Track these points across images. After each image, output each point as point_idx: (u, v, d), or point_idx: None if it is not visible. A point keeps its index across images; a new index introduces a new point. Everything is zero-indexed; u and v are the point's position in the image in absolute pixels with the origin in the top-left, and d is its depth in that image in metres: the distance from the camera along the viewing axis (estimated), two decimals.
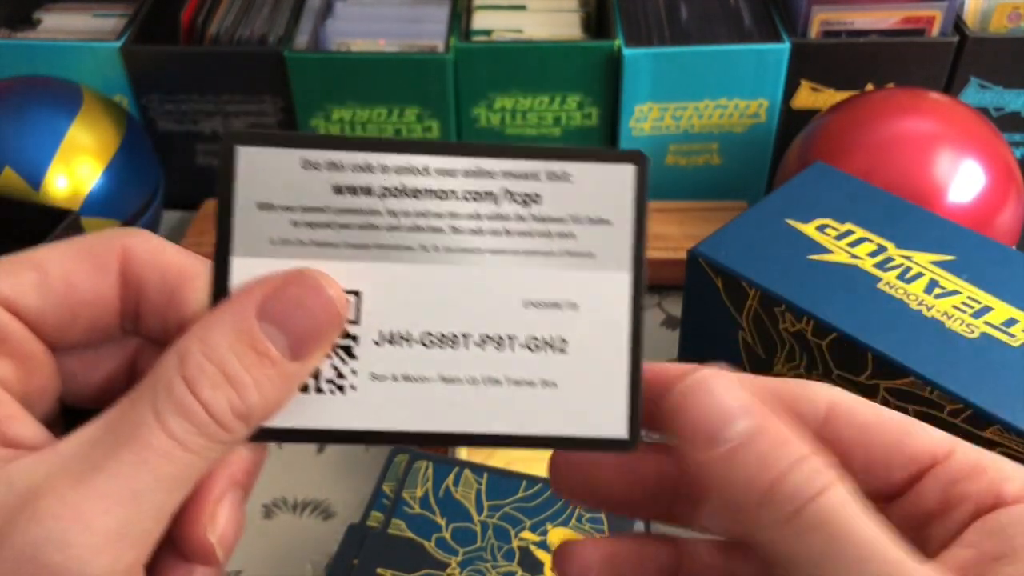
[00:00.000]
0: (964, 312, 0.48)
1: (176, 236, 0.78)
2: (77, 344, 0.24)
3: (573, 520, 0.49)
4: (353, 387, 0.24)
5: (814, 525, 0.21)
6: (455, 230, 0.24)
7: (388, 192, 0.24)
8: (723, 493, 0.23)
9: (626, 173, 0.25)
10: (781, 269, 0.51)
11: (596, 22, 0.79)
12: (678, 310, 0.59)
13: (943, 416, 0.45)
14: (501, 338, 0.25)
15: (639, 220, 0.25)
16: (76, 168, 0.67)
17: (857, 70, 0.74)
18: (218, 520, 0.23)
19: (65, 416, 0.25)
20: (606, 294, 0.25)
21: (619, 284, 0.25)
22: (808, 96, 0.75)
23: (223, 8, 0.79)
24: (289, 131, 0.23)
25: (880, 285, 0.50)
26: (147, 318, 0.24)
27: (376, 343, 0.24)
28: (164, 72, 0.76)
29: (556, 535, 0.49)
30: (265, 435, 0.24)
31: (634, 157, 0.25)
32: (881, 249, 0.52)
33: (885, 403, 0.43)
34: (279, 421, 0.24)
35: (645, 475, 0.26)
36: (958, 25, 0.73)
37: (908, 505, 0.24)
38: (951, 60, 0.73)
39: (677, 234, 0.71)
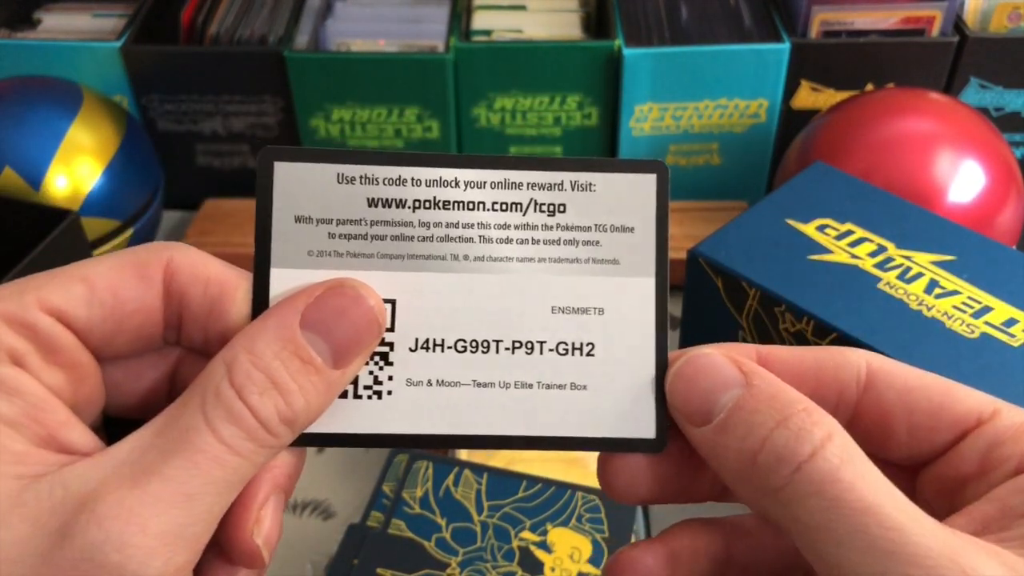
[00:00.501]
0: (964, 312, 0.48)
1: (176, 236, 0.78)
2: (121, 354, 0.25)
3: (573, 520, 0.49)
4: (390, 392, 0.25)
5: (808, 492, 0.21)
6: (485, 240, 0.26)
7: (420, 204, 0.25)
8: (721, 467, 0.23)
9: (648, 182, 0.26)
10: (781, 269, 0.51)
11: (596, 22, 0.79)
12: (678, 310, 0.59)
13: None
14: (531, 343, 0.26)
15: (661, 227, 0.26)
16: (76, 168, 0.67)
17: (857, 70, 0.74)
18: (263, 523, 0.24)
19: (107, 426, 0.26)
20: (631, 299, 0.26)
21: (644, 289, 0.26)
22: (808, 96, 0.75)
23: (223, 8, 0.79)
24: (324, 148, 0.24)
25: (880, 285, 0.50)
26: (189, 329, 0.25)
27: (411, 350, 0.25)
28: (164, 72, 0.76)
29: (556, 535, 0.49)
30: (307, 440, 0.25)
31: (655, 167, 0.26)
32: (881, 249, 0.52)
33: None
34: (320, 426, 0.25)
35: (678, 462, 0.26)
36: (958, 25, 0.73)
37: (947, 467, 0.24)
38: (951, 60, 0.73)
39: (677, 234, 0.71)
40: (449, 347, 0.25)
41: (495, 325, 0.25)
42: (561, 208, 0.26)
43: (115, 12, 0.80)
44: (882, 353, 0.25)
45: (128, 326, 0.24)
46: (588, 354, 0.26)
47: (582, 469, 0.55)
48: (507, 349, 0.25)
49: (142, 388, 0.26)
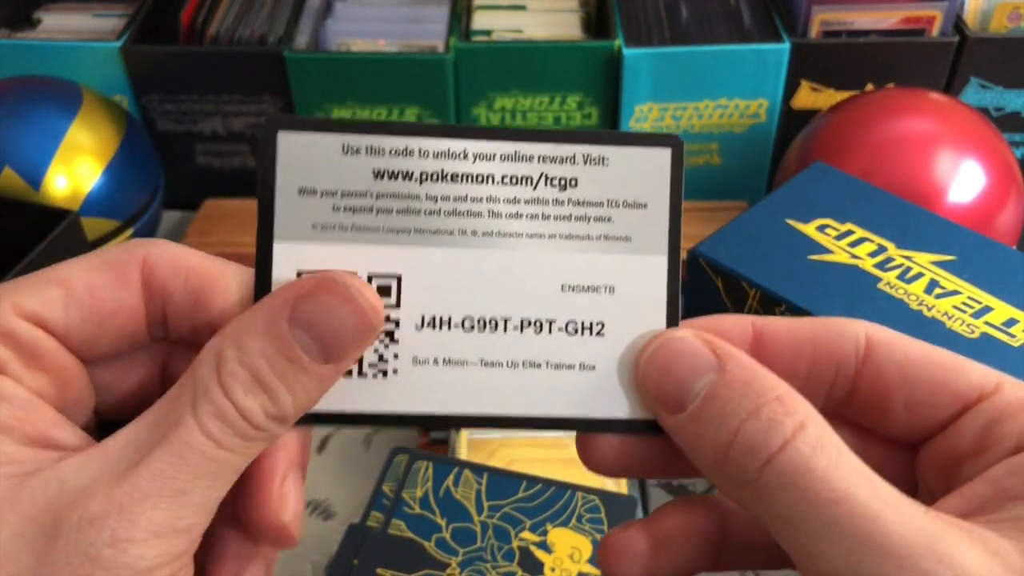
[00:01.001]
0: (964, 312, 0.48)
1: (176, 236, 0.78)
2: (106, 355, 0.25)
3: (573, 520, 0.49)
4: (395, 371, 0.25)
5: (779, 485, 0.20)
6: (493, 214, 0.25)
7: (427, 177, 0.25)
8: (695, 457, 0.23)
9: (662, 157, 0.25)
10: (781, 269, 0.51)
11: (596, 22, 0.79)
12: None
13: None
14: (540, 322, 0.25)
15: (675, 203, 0.25)
16: (76, 168, 0.67)
17: (857, 70, 0.74)
18: (287, 500, 0.24)
19: (101, 429, 0.26)
20: (643, 277, 0.25)
21: (656, 267, 0.25)
22: (808, 96, 0.75)
23: (223, 8, 0.79)
24: (329, 117, 0.23)
25: (880, 285, 0.50)
26: (175, 323, 0.25)
27: (417, 327, 0.25)
28: (164, 72, 0.76)
29: (556, 535, 0.49)
30: (310, 419, 0.24)
31: (670, 141, 0.25)
32: (881, 249, 0.52)
33: None
34: (324, 405, 0.24)
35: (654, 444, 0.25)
36: (958, 25, 0.73)
37: (946, 443, 0.23)
38: (951, 60, 0.73)
39: None
40: (456, 325, 0.25)
41: (503, 303, 0.25)
42: (572, 183, 0.25)
43: (115, 12, 0.80)
44: None
45: (109, 326, 0.24)
46: (598, 334, 0.25)
47: (582, 469, 0.55)
48: (515, 328, 0.25)
49: (133, 386, 0.26)
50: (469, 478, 0.51)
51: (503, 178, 0.25)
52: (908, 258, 0.51)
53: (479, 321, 0.25)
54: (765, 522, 0.21)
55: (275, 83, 0.75)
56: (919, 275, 0.50)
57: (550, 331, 0.25)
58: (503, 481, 0.51)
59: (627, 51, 0.72)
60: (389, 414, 0.25)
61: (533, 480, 0.51)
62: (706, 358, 0.23)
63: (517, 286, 0.25)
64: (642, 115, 0.75)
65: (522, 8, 0.79)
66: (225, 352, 0.22)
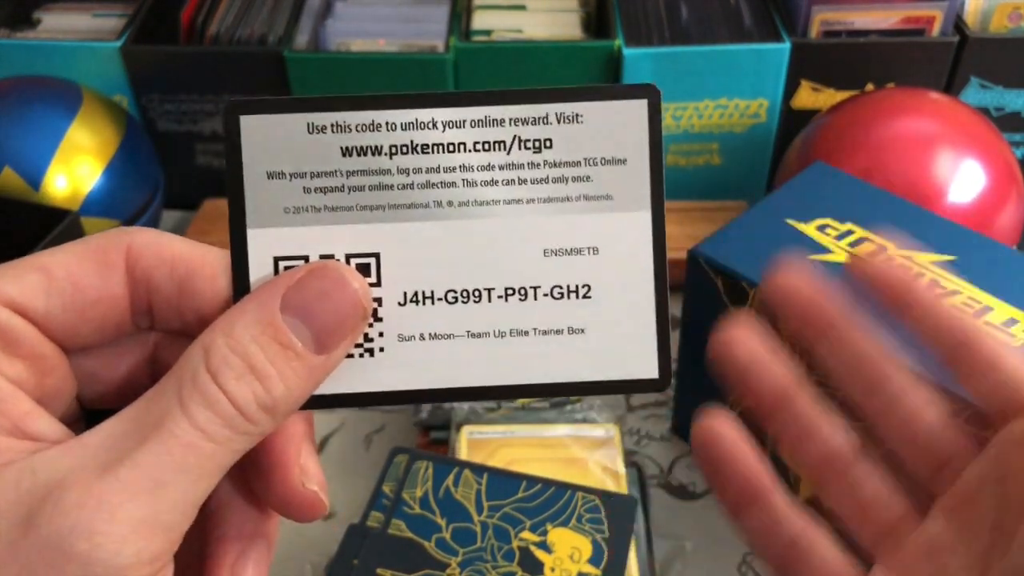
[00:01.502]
0: (964, 312, 0.48)
1: None
2: (89, 344, 0.24)
3: (573, 520, 0.49)
4: (382, 349, 0.24)
5: None
6: (468, 183, 0.24)
7: (396, 150, 0.24)
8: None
9: (639, 108, 0.24)
10: None
11: (596, 22, 0.79)
12: (678, 310, 0.59)
13: None
14: (524, 289, 0.25)
15: (655, 156, 0.24)
16: (76, 168, 0.67)
17: (857, 70, 0.74)
18: (309, 470, 0.24)
19: (87, 418, 0.26)
20: (627, 235, 0.25)
21: (640, 224, 0.25)
22: (808, 96, 0.75)
23: (223, 8, 0.79)
24: (291, 96, 0.23)
25: None
26: (161, 312, 0.24)
27: (400, 304, 0.24)
28: (164, 72, 0.76)
29: (556, 535, 0.49)
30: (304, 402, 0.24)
31: (645, 91, 0.24)
32: (882, 249, 0.52)
33: None
34: None
35: None
36: (958, 25, 0.73)
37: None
38: (951, 60, 0.73)
39: (677, 234, 0.71)
40: (439, 299, 0.24)
41: (485, 273, 0.24)
42: (547, 143, 0.24)
43: (115, 12, 0.80)
44: None
45: (91, 315, 0.24)
46: (584, 296, 0.25)
47: (582, 469, 0.55)
48: (499, 297, 0.24)
49: (120, 376, 0.25)
50: (469, 478, 0.51)
51: (475, 145, 0.24)
52: (908, 258, 0.51)
53: (462, 293, 0.24)
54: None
55: (275, 83, 0.75)
56: (919, 275, 0.50)
57: (535, 298, 0.25)
58: (503, 481, 0.51)
59: (627, 51, 0.71)
60: (380, 392, 0.24)
61: (533, 480, 0.51)
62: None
63: (498, 255, 0.24)
64: None
65: (522, 8, 0.79)
66: (215, 341, 0.22)
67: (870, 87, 0.74)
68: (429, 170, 0.24)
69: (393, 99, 0.24)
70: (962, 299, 0.49)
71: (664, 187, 0.25)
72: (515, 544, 0.48)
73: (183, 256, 0.24)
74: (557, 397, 0.25)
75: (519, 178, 0.24)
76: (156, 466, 0.21)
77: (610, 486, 0.54)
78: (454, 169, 0.24)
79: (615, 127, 0.24)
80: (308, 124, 0.24)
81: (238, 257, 0.24)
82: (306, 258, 0.24)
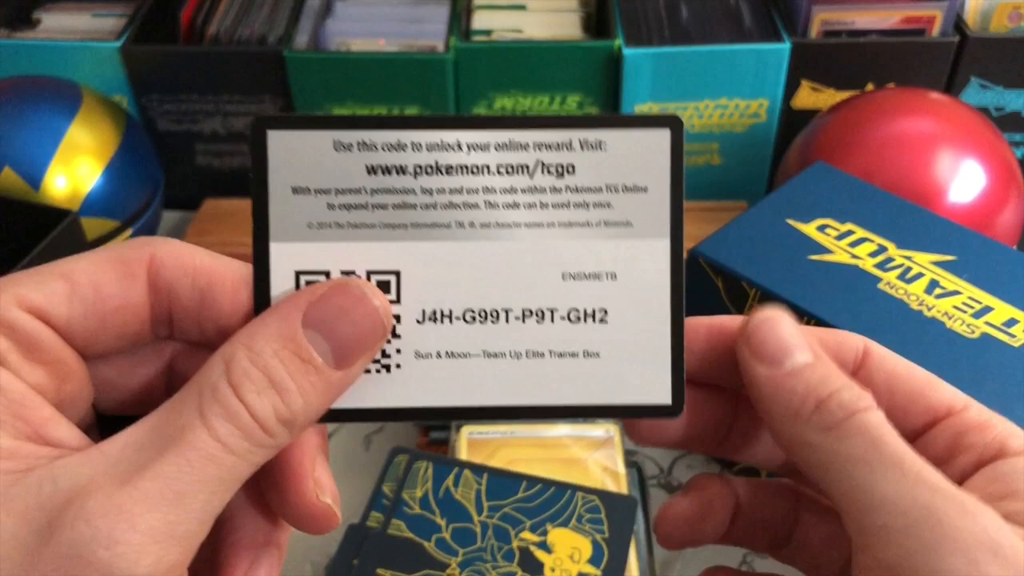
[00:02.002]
0: (964, 312, 0.48)
1: (176, 236, 0.77)
2: (109, 351, 0.25)
3: (573, 520, 0.49)
4: (399, 366, 0.25)
5: (857, 431, 0.23)
6: (490, 205, 0.24)
7: (421, 170, 0.24)
8: (780, 403, 0.24)
9: (661, 138, 0.25)
10: (781, 269, 0.51)
11: (596, 22, 0.79)
12: None
13: None
14: (542, 311, 0.25)
15: (676, 185, 0.25)
16: (75, 168, 0.67)
17: (857, 70, 0.74)
18: (323, 483, 0.24)
19: (101, 424, 0.26)
20: (645, 262, 0.25)
21: (658, 251, 0.25)
22: (808, 96, 0.75)
23: (223, 8, 0.79)
24: (319, 114, 0.23)
25: (881, 285, 0.50)
26: (181, 322, 0.25)
27: (418, 321, 0.25)
28: (164, 72, 0.76)
29: (556, 535, 0.49)
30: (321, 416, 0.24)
31: (668, 121, 0.25)
32: (882, 249, 0.52)
33: None
34: None
35: (706, 417, 0.27)
36: (958, 25, 0.73)
37: (918, 449, 0.25)
38: (951, 60, 0.73)
39: None
40: (457, 317, 0.25)
41: (504, 294, 0.25)
42: (570, 169, 0.25)
43: (115, 12, 0.80)
44: None
45: (112, 323, 0.24)
46: (601, 320, 0.25)
47: (582, 469, 0.55)
48: (517, 318, 0.25)
49: (137, 384, 0.26)
50: (469, 478, 0.51)
51: (498, 168, 0.24)
52: (908, 258, 0.51)
53: (480, 313, 0.25)
54: (825, 460, 0.24)
55: (275, 83, 0.75)
56: (919, 275, 0.50)
57: (552, 320, 0.25)
58: (503, 481, 0.51)
59: (627, 51, 0.71)
60: (394, 408, 0.25)
61: (533, 480, 0.51)
62: (803, 342, 0.25)
63: (517, 276, 0.25)
64: None
65: (522, 8, 0.79)
66: (236, 354, 0.22)
67: (870, 87, 0.74)
68: (452, 191, 0.24)
69: (419, 120, 0.24)
70: (962, 299, 0.49)
71: (683, 215, 0.25)
72: (515, 544, 0.48)
73: (205, 267, 0.24)
74: (570, 419, 0.25)
75: (541, 202, 0.25)
76: (176, 477, 0.21)
77: (610, 486, 0.54)
78: (477, 191, 0.24)
79: (637, 155, 0.25)
80: (335, 141, 0.24)
81: (260, 270, 0.24)
82: (327, 273, 0.24)
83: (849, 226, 0.53)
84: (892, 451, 0.23)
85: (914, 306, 0.49)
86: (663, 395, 0.25)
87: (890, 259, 0.51)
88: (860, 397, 0.24)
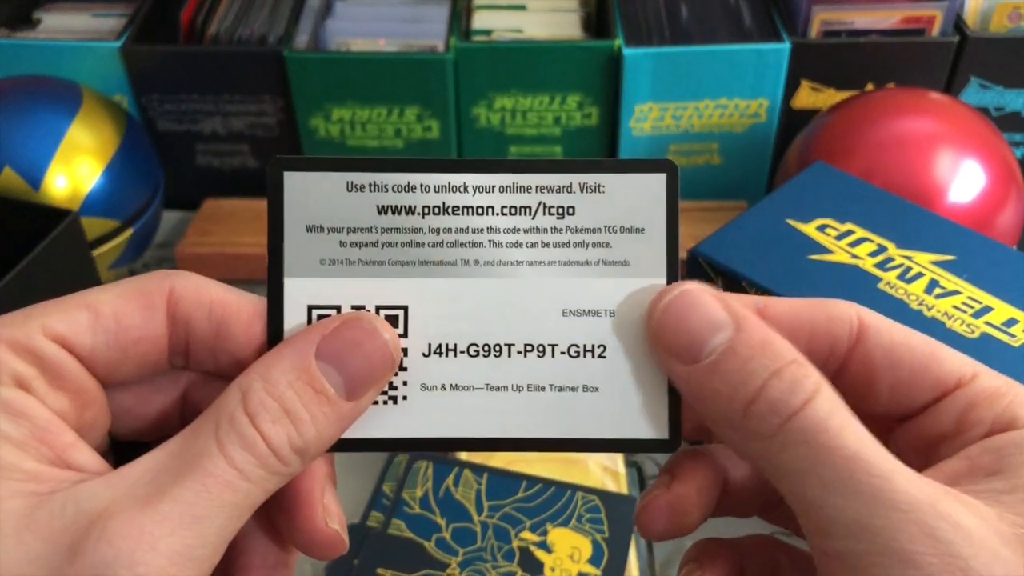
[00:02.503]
0: (964, 312, 0.48)
1: (176, 236, 0.78)
2: (127, 380, 0.26)
3: (573, 520, 0.49)
4: (405, 398, 0.26)
5: (799, 439, 0.22)
6: (494, 244, 0.26)
7: (429, 210, 0.26)
8: (709, 407, 0.24)
9: (657, 182, 0.26)
10: (781, 269, 0.51)
11: (596, 22, 0.79)
12: None
13: None
14: (543, 346, 0.26)
15: (671, 227, 0.26)
16: (76, 168, 0.67)
17: (857, 70, 0.74)
18: (331, 510, 0.25)
19: (115, 450, 0.27)
20: (643, 300, 0.26)
21: (654, 290, 0.26)
22: (808, 96, 0.75)
23: (223, 8, 0.79)
24: (333, 156, 0.25)
25: (880, 285, 0.50)
26: (197, 353, 0.25)
27: (424, 355, 0.26)
28: (164, 72, 0.76)
29: (556, 535, 0.49)
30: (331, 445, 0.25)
31: (664, 166, 0.26)
32: (881, 249, 0.52)
33: None
34: None
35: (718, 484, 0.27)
36: (958, 25, 0.73)
37: (924, 425, 0.25)
38: (951, 60, 0.73)
39: None
40: (462, 352, 0.26)
41: (507, 329, 0.26)
42: (570, 210, 0.26)
43: (115, 12, 0.80)
44: None
45: (133, 353, 0.25)
46: (600, 356, 0.26)
47: (582, 469, 0.55)
48: (519, 352, 0.26)
49: (153, 412, 0.27)
50: (469, 478, 0.51)
51: (503, 208, 0.26)
52: (908, 258, 0.51)
53: (484, 347, 0.26)
54: (772, 473, 0.22)
55: (275, 83, 0.75)
56: (919, 275, 0.50)
57: (553, 355, 0.26)
58: (503, 481, 0.51)
59: (627, 51, 0.72)
60: (399, 439, 0.26)
61: (533, 480, 0.51)
62: (720, 313, 0.24)
63: (519, 312, 0.26)
64: (642, 115, 0.75)
65: (522, 8, 0.79)
66: (252, 385, 0.23)
67: (870, 87, 0.74)
68: (459, 230, 0.26)
69: (428, 163, 0.26)
70: (962, 299, 0.49)
71: (679, 256, 0.26)
72: (515, 544, 0.48)
73: (221, 301, 0.25)
74: (569, 452, 0.26)
75: (542, 241, 0.26)
76: (194, 502, 0.22)
77: (610, 486, 0.54)
78: (482, 231, 0.26)
79: (634, 198, 0.26)
80: (348, 183, 0.25)
81: (274, 304, 0.25)
82: (338, 308, 0.26)
83: (849, 226, 0.53)
84: (841, 459, 0.21)
85: (914, 306, 0.49)
86: (660, 430, 0.26)
87: (890, 259, 0.51)
88: (793, 387, 0.22)
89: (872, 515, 0.21)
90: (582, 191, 0.26)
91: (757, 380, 0.22)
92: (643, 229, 0.26)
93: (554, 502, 0.50)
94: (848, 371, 0.25)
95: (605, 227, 0.26)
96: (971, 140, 0.62)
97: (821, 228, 0.53)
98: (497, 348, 0.26)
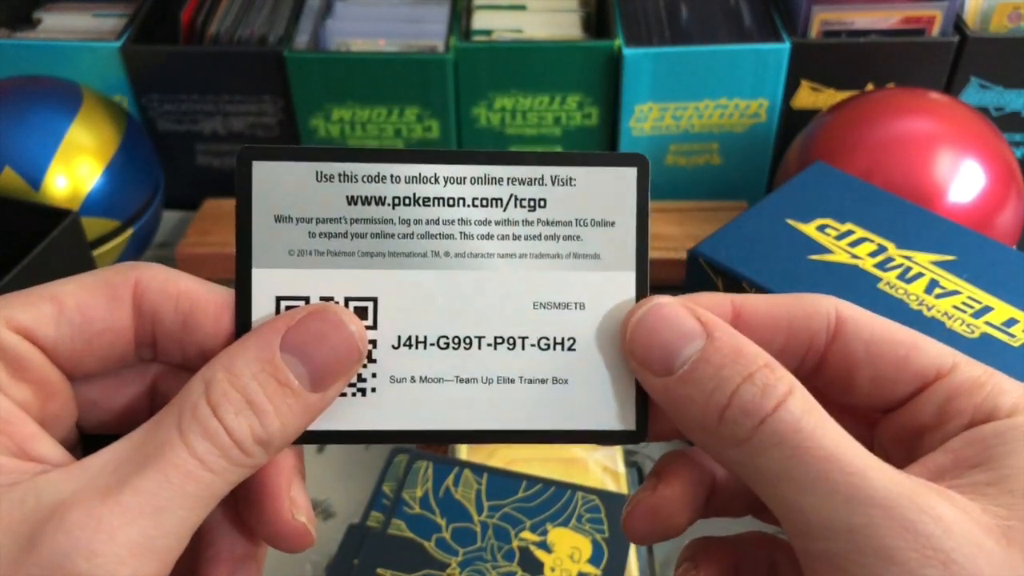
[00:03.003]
0: (964, 312, 0.48)
1: (176, 236, 0.78)
2: (93, 372, 0.25)
3: (573, 520, 0.49)
4: (374, 390, 0.25)
5: (773, 441, 0.22)
6: (465, 236, 0.25)
7: (400, 201, 0.25)
8: (681, 417, 0.24)
9: (628, 176, 0.26)
10: (781, 269, 0.51)
11: (596, 22, 0.79)
12: None
13: None
14: (513, 339, 0.26)
15: (642, 220, 0.26)
16: (76, 168, 0.67)
17: (857, 70, 0.74)
18: (299, 502, 0.25)
19: (84, 443, 0.26)
20: (612, 293, 0.26)
21: (624, 283, 0.26)
22: (808, 96, 0.75)
23: (223, 8, 0.79)
24: (302, 145, 0.25)
25: (880, 285, 0.50)
26: (164, 345, 0.25)
27: (394, 347, 0.25)
28: (164, 72, 0.76)
29: (556, 535, 0.49)
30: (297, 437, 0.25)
31: (635, 160, 0.26)
32: (881, 249, 0.52)
33: None
34: None
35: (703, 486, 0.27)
36: (958, 25, 0.73)
37: (907, 416, 0.25)
38: (951, 60, 0.73)
39: (677, 234, 0.71)
40: (432, 344, 0.26)
41: (477, 321, 0.26)
42: (541, 203, 0.26)
43: (115, 12, 0.80)
44: None
45: (98, 345, 0.24)
46: (569, 348, 0.26)
47: (582, 469, 0.55)
48: (489, 345, 0.26)
49: (120, 404, 0.26)
50: (469, 478, 0.51)
51: (474, 200, 0.25)
52: (908, 258, 0.51)
53: (454, 339, 0.26)
54: (750, 478, 0.22)
55: (275, 83, 0.75)
56: (919, 275, 0.50)
57: (523, 347, 0.26)
58: (503, 481, 0.51)
59: (627, 51, 0.72)
60: (368, 431, 0.25)
61: (533, 480, 0.51)
62: (692, 325, 0.24)
63: (490, 304, 0.26)
64: (642, 115, 0.75)
65: (522, 8, 0.79)
66: (216, 376, 0.23)
67: (870, 87, 0.74)
68: (429, 222, 0.25)
69: (399, 153, 0.25)
70: (962, 299, 0.49)
71: (648, 249, 0.26)
72: (515, 544, 0.48)
73: (188, 292, 0.25)
74: (538, 443, 0.26)
75: (513, 234, 0.26)
76: (156, 492, 0.21)
77: (610, 486, 0.54)
78: (453, 222, 0.25)
79: (605, 192, 0.26)
80: (317, 172, 0.25)
81: (242, 295, 0.25)
82: (307, 299, 0.25)
83: (849, 226, 0.53)
84: (817, 459, 0.21)
85: (914, 306, 0.49)
86: (628, 421, 0.26)
87: (890, 259, 0.51)
88: (765, 390, 0.22)
89: (851, 513, 0.21)
90: (554, 184, 0.26)
91: (730, 386, 0.22)
92: (613, 223, 0.26)
93: (554, 502, 0.50)
94: (828, 365, 0.25)
95: (576, 220, 0.26)
96: (971, 140, 0.62)
97: (821, 228, 0.53)
98: (467, 340, 0.26)
